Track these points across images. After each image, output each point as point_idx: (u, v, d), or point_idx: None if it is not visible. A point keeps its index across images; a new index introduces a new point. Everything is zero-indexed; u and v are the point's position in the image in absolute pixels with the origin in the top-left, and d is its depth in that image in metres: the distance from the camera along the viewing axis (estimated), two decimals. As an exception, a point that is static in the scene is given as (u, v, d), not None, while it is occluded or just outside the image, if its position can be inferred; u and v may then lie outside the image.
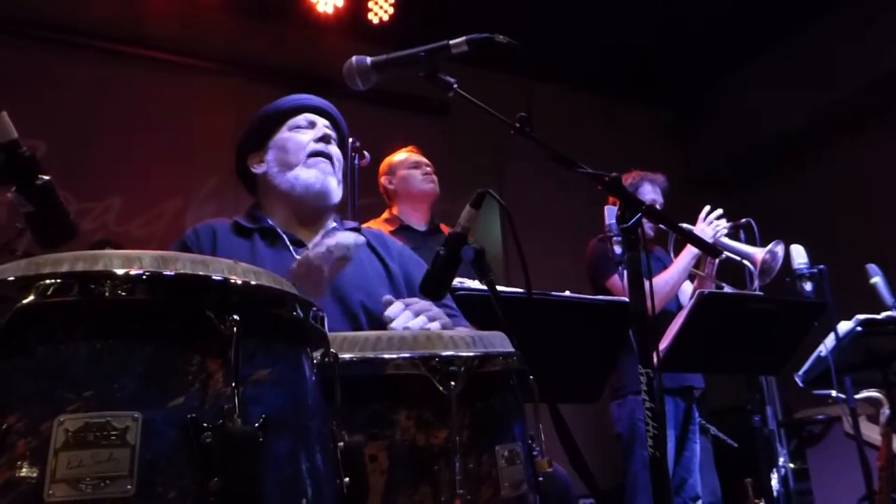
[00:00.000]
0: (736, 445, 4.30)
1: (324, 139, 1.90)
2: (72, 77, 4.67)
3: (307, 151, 1.86)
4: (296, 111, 1.94)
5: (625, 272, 1.49)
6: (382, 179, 3.38)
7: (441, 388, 1.10)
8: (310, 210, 1.89)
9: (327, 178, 1.87)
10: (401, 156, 3.40)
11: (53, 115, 4.41)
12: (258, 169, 1.93)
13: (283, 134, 1.90)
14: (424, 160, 3.38)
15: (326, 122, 1.95)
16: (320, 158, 1.87)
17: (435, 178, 3.35)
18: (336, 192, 1.90)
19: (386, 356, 1.14)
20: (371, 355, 1.14)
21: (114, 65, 4.87)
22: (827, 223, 5.55)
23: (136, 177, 4.82)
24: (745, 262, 3.22)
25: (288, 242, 1.84)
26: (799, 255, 3.17)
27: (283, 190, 1.87)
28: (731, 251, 3.27)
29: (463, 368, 1.13)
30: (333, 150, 1.92)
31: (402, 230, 3.15)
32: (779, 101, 6.11)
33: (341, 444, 0.96)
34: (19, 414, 0.74)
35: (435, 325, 1.41)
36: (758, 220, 3.37)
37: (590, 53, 5.93)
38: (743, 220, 3.40)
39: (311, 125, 1.92)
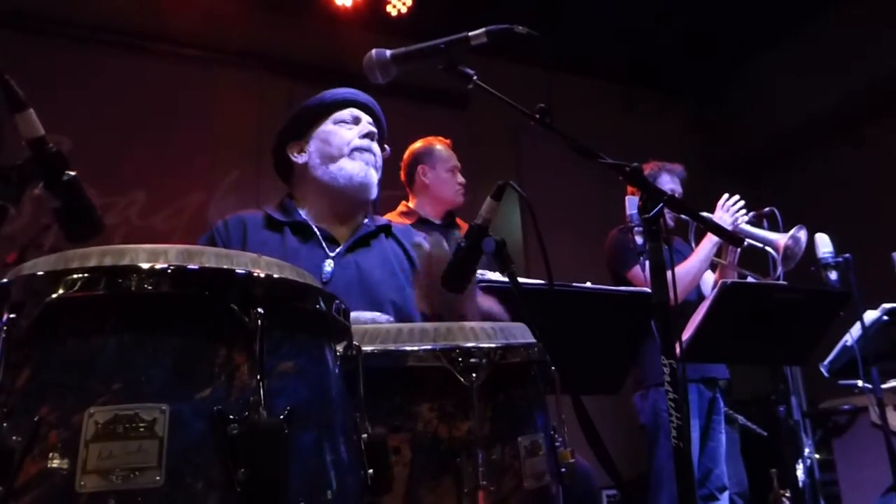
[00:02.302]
0: (766, 434, 4.27)
1: (368, 136, 1.92)
2: (95, 72, 4.73)
3: (352, 146, 1.88)
4: (341, 105, 1.95)
5: (646, 263, 1.48)
6: (419, 168, 3.26)
7: (462, 380, 1.11)
8: (348, 203, 1.90)
9: (370, 171, 1.89)
10: (443, 152, 3.31)
11: (77, 110, 4.47)
12: (299, 158, 1.93)
13: (327, 127, 1.91)
14: (458, 164, 3.33)
15: (370, 119, 1.97)
16: (364, 152, 1.89)
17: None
18: (375, 187, 1.92)
19: (407, 348, 1.14)
20: (392, 347, 1.15)
21: (136, 59, 4.92)
22: (852, 211, 5.47)
23: (159, 171, 4.87)
24: (768, 248, 3.17)
25: (321, 239, 1.84)
26: (824, 243, 3.13)
27: (323, 182, 1.88)
28: (752, 238, 3.23)
29: (484, 360, 1.13)
30: (376, 147, 1.94)
31: (420, 223, 3.14)
32: (803, 86, 6.02)
33: (365, 435, 0.97)
34: (51, 405, 0.75)
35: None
36: (781, 208, 3.33)
37: (608, 39, 5.88)
38: (766, 209, 3.36)
39: (356, 121, 1.94)
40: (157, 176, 4.86)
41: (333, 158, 1.87)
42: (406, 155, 3.34)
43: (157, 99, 4.89)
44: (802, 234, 3.13)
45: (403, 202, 3.34)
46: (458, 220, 3.31)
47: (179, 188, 4.99)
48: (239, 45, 5.24)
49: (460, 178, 3.29)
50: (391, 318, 1.64)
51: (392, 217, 3.16)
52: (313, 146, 1.91)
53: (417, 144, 3.35)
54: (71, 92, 4.51)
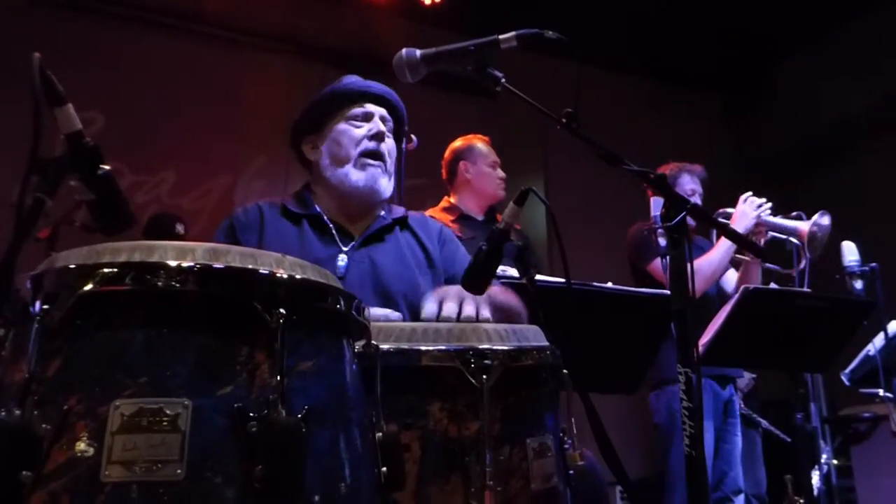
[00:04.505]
0: (788, 440, 4.25)
1: (377, 137, 1.88)
2: (129, 52, 4.78)
3: (359, 150, 1.86)
4: (354, 99, 1.92)
5: (667, 259, 1.49)
6: (460, 164, 3.32)
7: (474, 381, 1.13)
8: (356, 205, 1.90)
9: (378, 180, 1.87)
10: (483, 148, 3.37)
11: (111, 88, 4.53)
12: (311, 156, 1.94)
13: (339, 125, 1.89)
14: (497, 159, 3.37)
15: (383, 112, 1.94)
16: (371, 159, 1.86)
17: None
18: (386, 189, 1.90)
19: (422, 348, 1.16)
20: (406, 346, 1.16)
21: (171, 40, 4.97)
22: (882, 218, 5.38)
23: (190, 152, 4.92)
24: (792, 238, 3.13)
25: (335, 234, 1.86)
26: (850, 252, 3.10)
27: (332, 184, 1.88)
28: (775, 228, 3.19)
29: (496, 362, 1.15)
30: (386, 145, 1.90)
31: (462, 219, 3.17)
32: (837, 87, 5.90)
33: (380, 434, 0.99)
34: (79, 396, 0.78)
35: (469, 310, 1.39)
36: (809, 211, 3.29)
37: (638, 35, 5.81)
38: (793, 213, 3.32)
39: (367, 118, 1.91)
40: (186, 156, 4.91)
41: (342, 162, 1.86)
42: (447, 153, 3.41)
43: (188, 80, 4.94)
44: (825, 220, 3.07)
45: (446, 197, 3.37)
46: (499, 216, 3.32)
47: (208, 169, 5.04)
48: (271, 28, 5.27)
49: (500, 173, 3.34)
50: (401, 316, 1.65)
51: (434, 213, 3.18)
52: (325, 145, 1.91)
53: (457, 143, 3.42)
54: (105, 70, 4.57)
